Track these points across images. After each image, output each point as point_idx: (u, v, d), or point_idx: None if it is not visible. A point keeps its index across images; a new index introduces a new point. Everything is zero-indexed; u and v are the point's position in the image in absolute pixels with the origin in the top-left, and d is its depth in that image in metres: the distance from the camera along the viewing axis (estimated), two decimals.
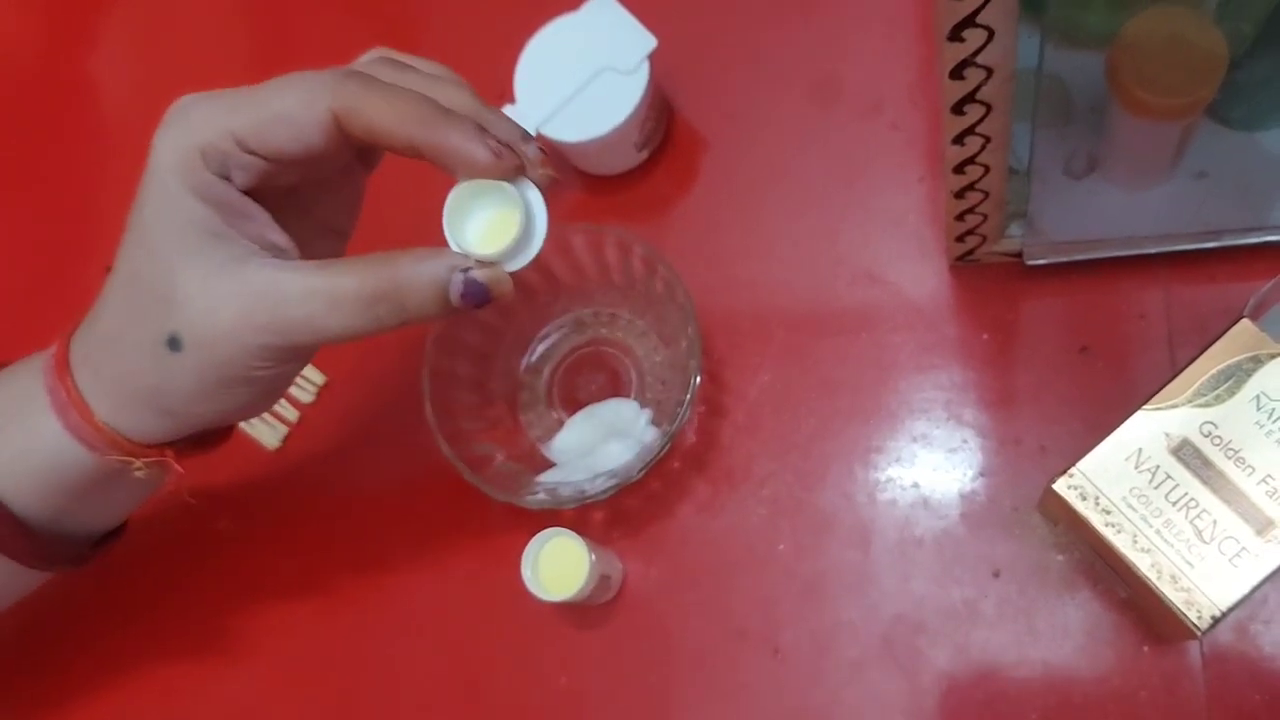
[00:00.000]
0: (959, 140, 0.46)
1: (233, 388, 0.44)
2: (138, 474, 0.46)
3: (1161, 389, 0.48)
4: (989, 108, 0.44)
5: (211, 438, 0.49)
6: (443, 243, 0.42)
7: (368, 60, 0.45)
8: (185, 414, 0.45)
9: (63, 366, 0.45)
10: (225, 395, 0.44)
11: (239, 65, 0.75)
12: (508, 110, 0.60)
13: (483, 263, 0.42)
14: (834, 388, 0.59)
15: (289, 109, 0.41)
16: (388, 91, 0.41)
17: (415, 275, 0.41)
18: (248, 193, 0.43)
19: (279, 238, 0.44)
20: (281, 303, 0.42)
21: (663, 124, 0.64)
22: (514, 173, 0.42)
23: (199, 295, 0.42)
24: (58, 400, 0.45)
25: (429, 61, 0.46)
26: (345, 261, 0.42)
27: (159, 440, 0.46)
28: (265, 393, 0.46)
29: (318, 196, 0.47)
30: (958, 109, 0.44)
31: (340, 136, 0.42)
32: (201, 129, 0.41)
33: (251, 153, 0.42)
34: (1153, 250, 0.55)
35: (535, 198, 0.42)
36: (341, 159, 0.44)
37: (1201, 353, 0.48)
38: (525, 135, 0.43)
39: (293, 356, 0.44)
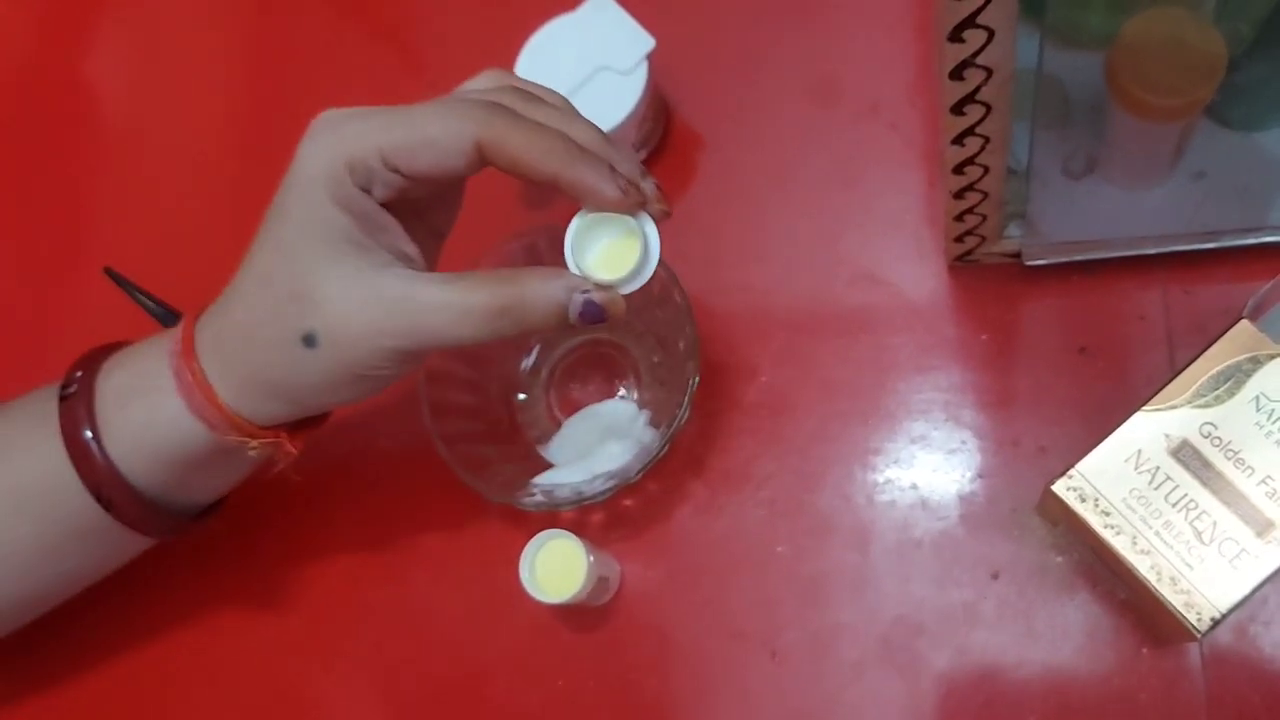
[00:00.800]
0: (958, 141, 0.46)
1: (356, 384, 0.47)
2: (251, 453, 0.50)
3: (1161, 390, 0.47)
4: (988, 108, 0.44)
5: (316, 419, 0.52)
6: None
7: (493, 86, 0.48)
8: (307, 403, 0.49)
9: (189, 350, 0.48)
10: (348, 389, 0.47)
11: (234, 64, 0.75)
12: None
13: (600, 286, 0.45)
14: (833, 389, 0.59)
15: (438, 136, 0.44)
16: (531, 128, 0.44)
17: (539, 294, 0.45)
18: (383, 205, 0.46)
19: (410, 249, 0.47)
20: (416, 312, 0.45)
21: (660, 124, 0.63)
22: (637, 208, 0.46)
23: (339, 299, 0.45)
24: (183, 382, 0.48)
25: (548, 90, 0.49)
26: (475, 276, 0.45)
27: (275, 423, 0.49)
28: (379, 388, 0.49)
29: (429, 204, 0.50)
30: (957, 110, 0.44)
31: (479, 163, 0.45)
32: (351, 144, 0.44)
33: (395, 171, 0.44)
34: (1152, 251, 0.55)
35: (651, 230, 0.46)
36: (467, 177, 0.47)
37: (1201, 353, 0.48)
38: (645, 172, 0.47)
39: (414, 359, 0.47)
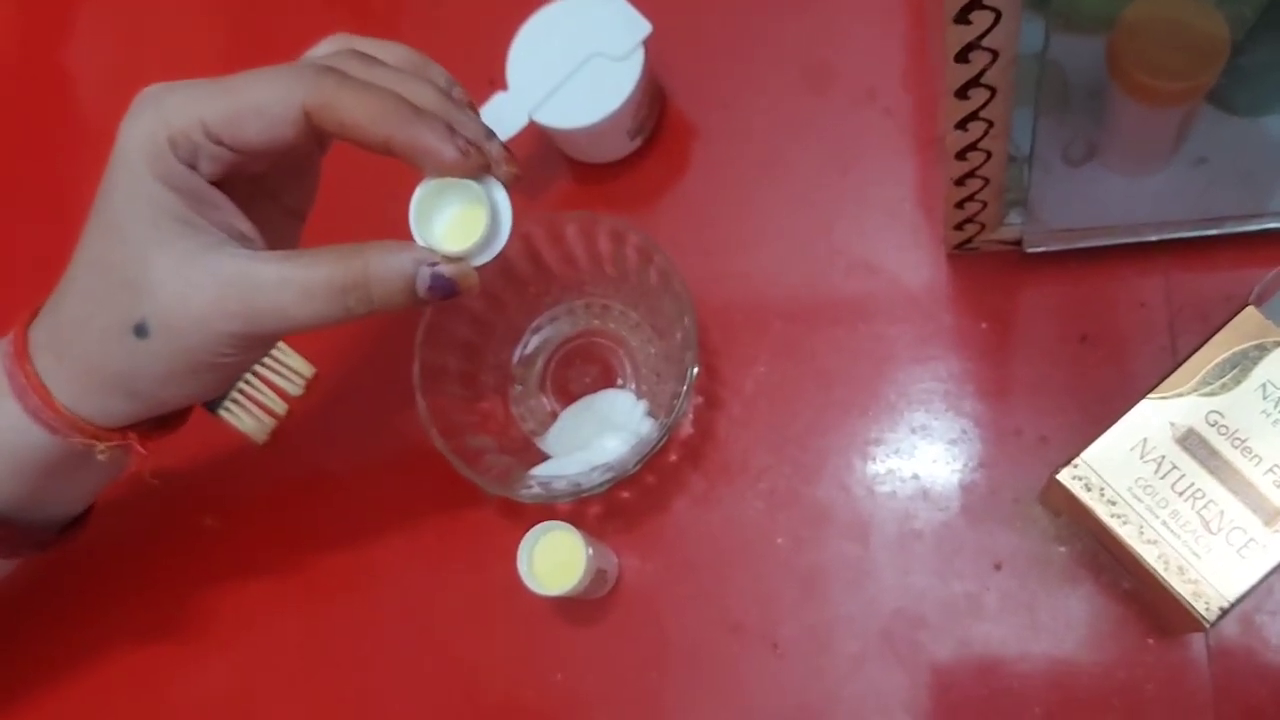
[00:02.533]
0: (962, 125, 0.45)
1: (199, 373, 0.45)
2: (100, 457, 0.47)
3: (1166, 378, 0.47)
4: (993, 92, 0.43)
5: (172, 419, 0.50)
6: (407, 230, 0.43)
7: (332, 51, 0.45)
8: (150, 398, 0.46)
9: (21, 351, 0.46)
10: (191, 380, 0.45)
11: (216, 53, 0.74)
12: (500, 96, 0.59)
13: (449, 258, 0.43)
14: (831, 379, 0.58)
15: (262, 102, 0.42)
16: (361, 89, 0.42)
17: (383, 268, 0.42)
18: (214, 182, 0.43)
19: (245, 226, 0.44)
20: (254, 291, 0.42)
21: (655, 111, 0.63)
22: (480, 171, 0.43)
23: (169, 282, 0.42)
24: (17, 385, 0.45)
25: (392, 45, 0.47)
26: (314, 252, 0.43)
27: (122, 423, 0.46)
28: (229, 377, 0.47)
29: (279, 182, 0.48)
30: (961, 93, 0.43)
31: (310, 130, 0.42)
32: (172, 118, 0.42)
33: (220, 143, 0.42)
34: (1153, 238, 0.54)
35: (501, 195, 0.44)
36: (306, 149, 0.44)
37: (1206, 341, 0.47)
38: (490, 133, 0.44)
39: (258, 343, 0.45)
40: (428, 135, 0.42)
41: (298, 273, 0.42)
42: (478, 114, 0.47)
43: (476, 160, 0.43)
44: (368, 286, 0.42)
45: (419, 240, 0.43)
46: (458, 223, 0.43)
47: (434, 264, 0.43)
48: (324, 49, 0.46)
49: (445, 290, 0.43)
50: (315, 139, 0.43)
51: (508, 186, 0.44)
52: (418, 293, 0.43)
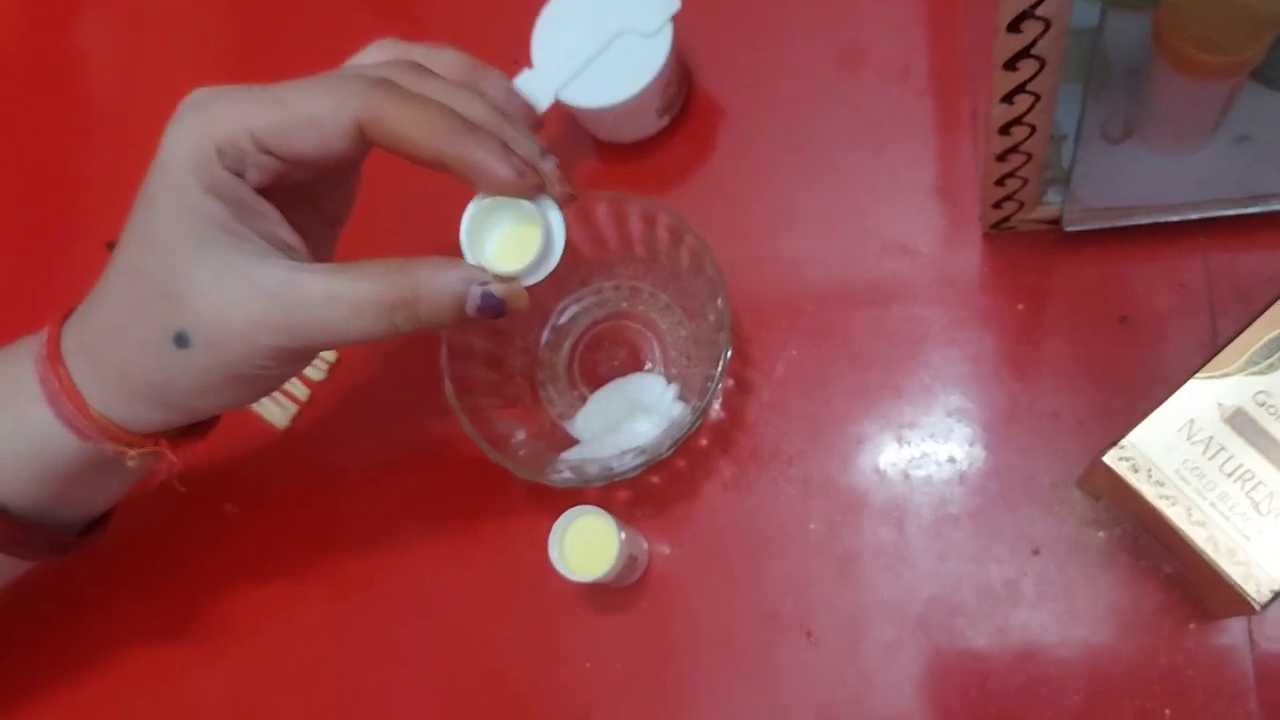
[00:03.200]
0: (1008, 99, 0.44)
1: (236, 385, 0.44)
2: (130, 463, 0.46)
3: (1214, 357, 0.46)
4: (1042, 63, 0.42)
5: (202, 426, 0.49)
6: (452, 239, 0.43)
7: (382, 59, 0.44)
8: (184, 408, 0.45)
9: (55, 355, 0.45)
10: (228, 392, 0.44)
11: (227, 38, 0.73)
12: (525, 75, 0.58)
13: (500, 278, 0.42)
14: (865, 362, 0.57)
15: (314, 115, 0.41)
16: (415, 103, 0.41)
17: (433, 286, 0.42)
18: (259, 191, 0.43)
19: (289, 236, 0.44)
20: (299, 305, 0.41)
21: (683, 91, 0.62)
22: (535, 191, 0.42)
23: (211, 293, 0.41)
24: (50, 389, 0.45)
25: (445, 52, 0.46)
26: (362, 267, 0.42)
27: (153, 430, 0.46)
28: (265, 390, 0.46)
29: (319, 189, 0.47)
30: (1010, 65, 0.42)
31: (361, 143, 0.42)
32: (220, 125, 0.41)
33: (269, 153, 0.42)
34: (1193, 216, 0.53)
35: (555, 215, 0.43)
36: (352, 158, 0.43)
37: (1254, 320, 0.46)
38: (544, 151, 0.43)
39: (300, 357, 0.44)
40: (482, 153, 0.41)
41: (345, 288, 0.41)
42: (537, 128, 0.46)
43: (532, 180, 0.42)
44: (416, 304, 0.42)
45: (470, 258, 0.42)
46: (510, 241, 0.43)
47: (485, 283, 0.42)
48: (372, 56, 0.45)
49: (495, 311, 0.42)
50: (364, 150, 0.43)
51: (561, 206, 0.43)
52: (466, 311, 0.42)
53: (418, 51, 0.45)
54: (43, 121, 0.74)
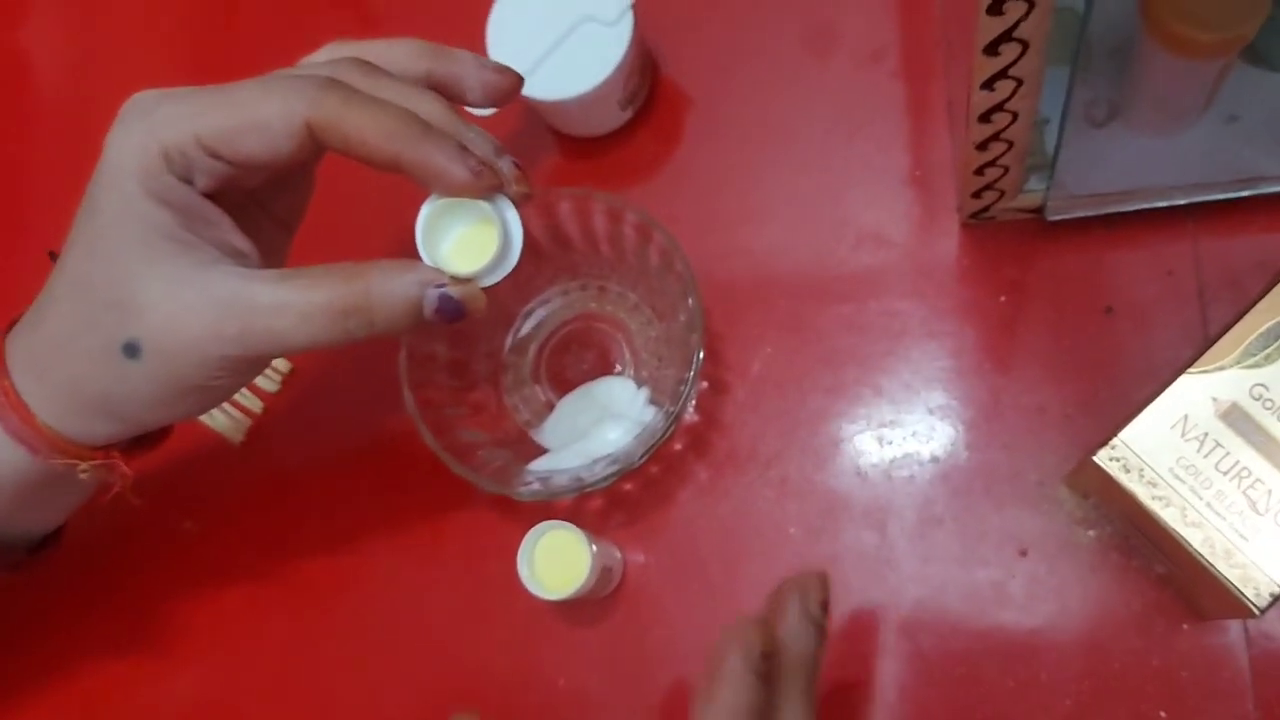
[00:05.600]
0: (989, 85, 0.42)
1: (188, 396, 0.43)
2: (82, 477, 0.45)
3: (1207, 350, 0.44)
4: (1025, 46, 0.40)
5: (153, 437, 0.48)
6: (408, 240, 0.41)
7: (333, 59, 0.43)
8: (135, 420, 0.44)
9: (0, 368, 0.44)
10: (179, 403, 0.43)
11: (181, 31, 0.70)
12: None
13: (457, 279, 0.41)
14: (842, 359, 0.55)
15: (262, 117, 0.40)
16: (368, 106, 0.40)
17: (388, 290, 0.41)
18: (208, 195, 0.42)
19: (241, 242, 0.43)
20: (250, 314, 0.40)
21: (647, 80, 0.59)
22: (492, 191, 0.41)
23: (161, 303, 0.40)
24: None
25: (402, 43, 0.44)
26: (314, 272, 0.41)
27: (104, 443, 0.45)
28: (217, 400, 0.45)
29: (271, 192, 0.46)
30: (992, 49, 0.40)
31: (312, 145, 0.40)
32: (165, 130, 0.40)
33: (217, 158, 0.40)
34: (1181, 201, 0.51)
35: (511, 214, 0.42)
36: (302, 160, 0.42)
37: (1247, 310, 0.44)
38: (500, 150, 0.42)
39: (253, 366, 0.44)
40: (438, 155, 0.40)
41: (296, 295, 0.40)
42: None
43: (489, 180, 0.41)
44: (370, 310, 0.40)
45: (426, 260, 0.41)
46: (466, 242, 0.42)
47: (441, 285, 0.41)
48: (322, 56, 0.44)
49: (453, 313, 0.41)
50: (315, 152, 0.41)
51: (518, 205, 0.42)
52: (424, 315, 0.41)
53: (373, 49, 0.44)
54: None
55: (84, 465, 0.44)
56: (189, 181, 0.41)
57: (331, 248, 0.46)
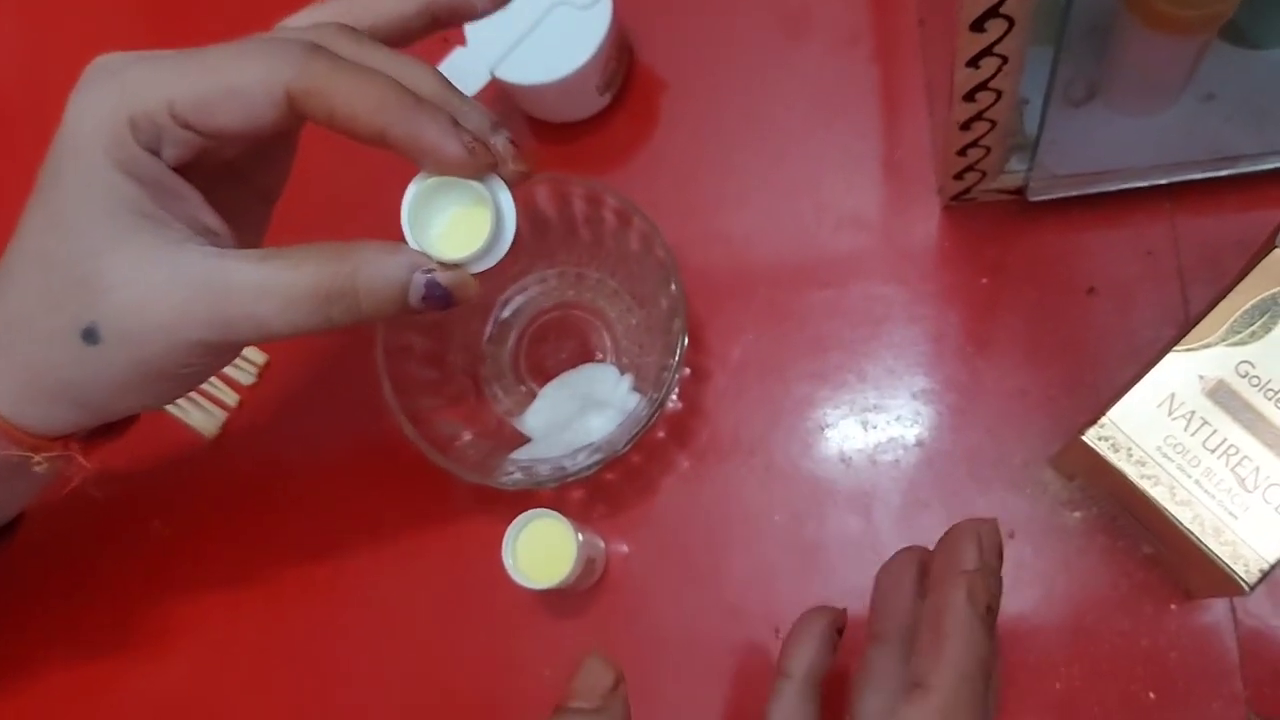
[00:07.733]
0: (974, 63, 0.42)
1: (156, 383, 0.40)
2: (37, 469, 0.42)
3: (1193, 328, 0.44)
4: (1011, 23, 0.40)
5: (116, 426, 0.45)
6: (393, 226, 0.39)
7: (317, 24, 0.40)
8: (99, 408, 0.42)
9: None
10: (147, 390, 0.41)
11: (140, 22, 0.68)
12: (458, 52, 0.54)
13: (446, 265, 0.39)
14: (824, 345, 0.55)
15: (239, 84, 0.37)
16: (356, 75, 0.37)
17: (374, 275, 0.38)
18: (177, 168, 0.39)
19: (211, 220, 0.40)
20: (225, 297, 0.38)
21: (624, 65, 0.58)
22: (486, 170, 0.38)
23: (127, 284, 0.38)
24: None
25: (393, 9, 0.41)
26: (295, 253, 0.38)
27: (63, 432, 0.42)
28: (187, 387, 0.42)
29: (250, 163, 0.43)
30: (978, 25, 0.40)
31: (292, 115, 0.38)
32: (133, 96, 0.37)
33: (189, 127, 0.37)
34: (1162, 180, 0.51)
35: (504, 196, 0.39)
36: (283, 129, 0.39)
37: (1233, 287, 0.44)
38: (496, 125, 0.39)
39: (225, 352, 0.41)
40: (430, 129, 0.37)
41: (277, 277, 0.38)
42: None
43: (483, 158, 0.38)
44: (355, 295, 0.38)
45: (412, 244, 0.38)
46: (457, 225, 0.39)
47: (429, 271, 0.38)
48: (304, 19, 0.41)
49: (441, 302, 0.39)
50: (295, 122, 0.38)
51: (513, 186, 0.39)
52: (410, 302, 0.39)
53: (358, 8, 0.41)
54: None
55: (39, 457, 0.42)
56: (155, 153, 0.38)
57: (311, 224, 0.44)
